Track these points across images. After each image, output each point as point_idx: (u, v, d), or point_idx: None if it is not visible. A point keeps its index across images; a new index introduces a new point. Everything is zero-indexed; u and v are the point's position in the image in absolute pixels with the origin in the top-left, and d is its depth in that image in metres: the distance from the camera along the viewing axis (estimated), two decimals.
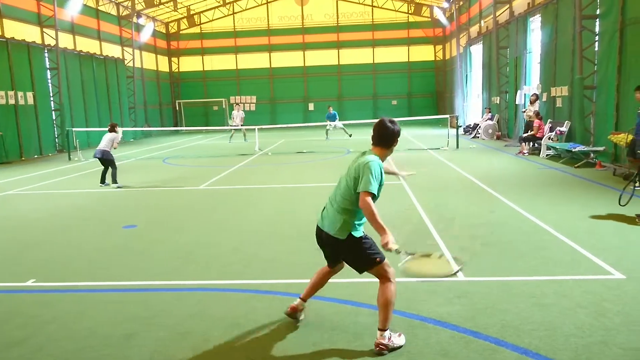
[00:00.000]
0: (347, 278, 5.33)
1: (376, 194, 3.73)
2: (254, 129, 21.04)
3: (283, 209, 8.98)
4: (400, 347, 3.79)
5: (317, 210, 8.97)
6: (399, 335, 3.88)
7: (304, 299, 4.33)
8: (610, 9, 12.51)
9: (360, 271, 3.97)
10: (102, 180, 12.17)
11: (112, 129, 12.33)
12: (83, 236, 7.64)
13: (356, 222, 3.85)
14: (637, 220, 7.16)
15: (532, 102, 17.07)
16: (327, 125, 24.39)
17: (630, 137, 9.74)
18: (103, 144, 12.04)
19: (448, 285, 5.01)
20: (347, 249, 3.88)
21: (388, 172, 4.24)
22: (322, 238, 4.01)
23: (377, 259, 3.83)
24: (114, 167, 12.11)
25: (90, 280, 5.63)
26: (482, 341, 3.86)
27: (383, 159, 3.89)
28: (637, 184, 9.48)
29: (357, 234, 3.84)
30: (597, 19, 13.54)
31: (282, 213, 8.68)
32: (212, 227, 7.92)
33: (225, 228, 7.80)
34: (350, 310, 4.54)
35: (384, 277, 3.86)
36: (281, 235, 7.24)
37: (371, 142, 3.95)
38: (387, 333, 3.78)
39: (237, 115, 24.66)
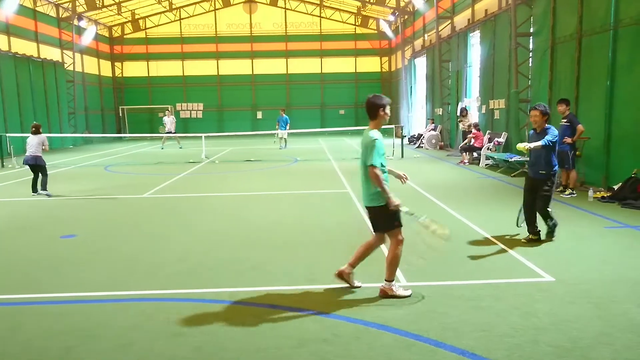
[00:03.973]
0: (295, 285, 5.38)
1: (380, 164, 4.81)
2: (201, 136, 20.75)
3: (229, 217, 8.91)
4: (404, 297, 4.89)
5: (264, 218, 8.97)
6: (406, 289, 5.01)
7: (352, 265, 5.17)
8: (542, 28, 13.32)
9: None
10: (34, 189, 11.54)
11: (38, 131, 11.60)
12: (18, 246, 7.28)
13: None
14: (522, 240, 6.87)
15: (464, 116, 17.95)
16: (278, 133, 23.81)
17: None
18: (33, 149, 11.38)
19: None
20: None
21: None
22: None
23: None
24: (45, 174, 11.51)
25: (24, 292, 5.37)
26: (423, 344, 4.00)
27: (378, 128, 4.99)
28: (566, 192, 10.14)
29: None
30: (531, 37, 14.36)
31: (228, 221, 8.61)
32: (156, 236, 7.76)
33: (170, 237, 7.65)
34: (296, 316, 4.58)
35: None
36: (226, 243, 7.19)
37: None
38: (394, 284, 4.94)
39: (168, 120, 25.03)
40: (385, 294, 4.91)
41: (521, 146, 6.65)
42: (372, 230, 5.21)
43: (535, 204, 6.76)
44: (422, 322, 4.38)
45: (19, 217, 9.31)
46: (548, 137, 6.61)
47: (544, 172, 6.70)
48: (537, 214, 6.80)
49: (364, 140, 4.93)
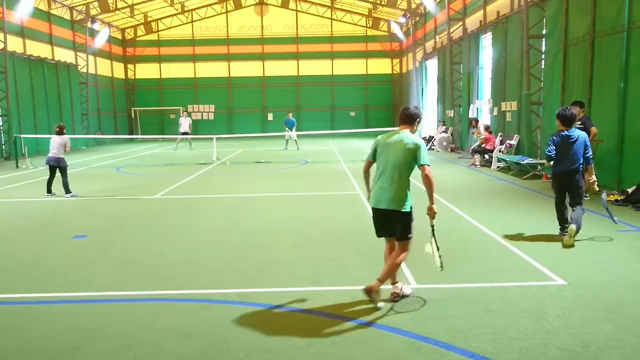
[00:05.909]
0: (302, 287, 5.37)
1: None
2: (212, 138, 20.84)
3: (237, 219, 8.92)
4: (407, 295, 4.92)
5: (273, 219, 8.97)
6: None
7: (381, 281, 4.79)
8: (554, 30, 13.20)
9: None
10: (49, 190, 11.61)
11: (62, 132, 11.59)
12: (28, 247, 7.35)
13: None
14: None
15: (474, 126, 17.78)
16: (286, 135, 24.41)
17: None
18: (55, 150, 11.34)
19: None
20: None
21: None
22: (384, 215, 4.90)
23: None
24: (65, 176, 11.48)
25: (31, 292, 5.40)
26: (432, 346, 3.97)
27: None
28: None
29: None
30: (543, 39, 14.24)
31: (237, 222, 8.62)
32: (165, 236, 7.79)
33: (178, 237, 7.68)
34: (303, 317, 4.57)
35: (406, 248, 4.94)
36: (234, 244, 7.19)
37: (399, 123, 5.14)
38: (398, 284, 4.93)
39: (185, 121, 25.06)
40: (396, 296, 4.88)
41: None
42: (383, 235, 5.06)
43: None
44: (431, 324, 4.35)
45: (32, 218, 9.40)
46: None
47: None
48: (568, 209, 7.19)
49: (401, 142, 4.85)
